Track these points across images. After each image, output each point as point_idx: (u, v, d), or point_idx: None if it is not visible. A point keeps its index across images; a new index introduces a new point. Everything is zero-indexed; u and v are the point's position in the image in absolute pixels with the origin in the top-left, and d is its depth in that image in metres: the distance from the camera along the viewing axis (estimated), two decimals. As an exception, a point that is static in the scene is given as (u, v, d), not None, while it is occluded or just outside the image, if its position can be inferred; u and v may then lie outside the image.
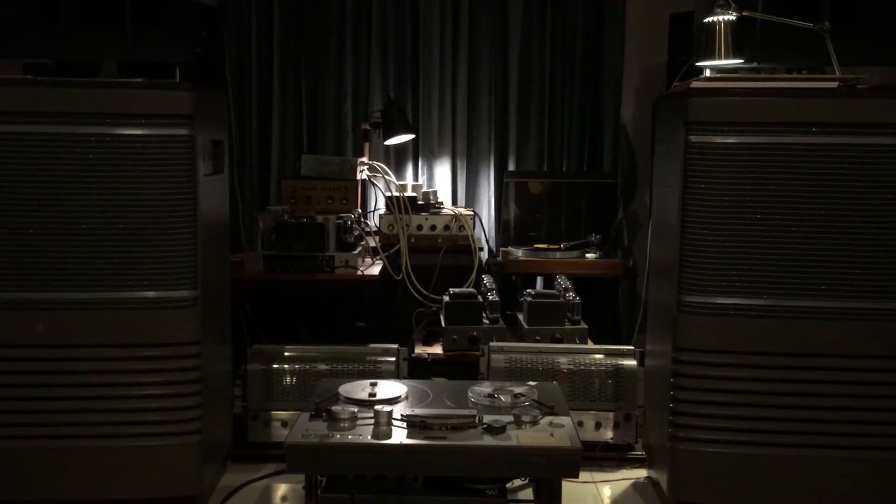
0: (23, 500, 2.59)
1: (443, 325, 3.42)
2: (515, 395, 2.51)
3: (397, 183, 4.01)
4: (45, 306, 2.52)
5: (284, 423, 3.12)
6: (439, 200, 3.96)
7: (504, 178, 4.11)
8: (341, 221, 3.51)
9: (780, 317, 2.54)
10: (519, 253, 3.85)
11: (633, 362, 3.17)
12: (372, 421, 2.30)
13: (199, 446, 2.64)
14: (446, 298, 3.45)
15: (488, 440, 2.23)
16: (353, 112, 4.18)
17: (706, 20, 2.61)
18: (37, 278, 2.52)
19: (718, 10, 2.57)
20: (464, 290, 3.54)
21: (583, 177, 4.15)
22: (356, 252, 3.48)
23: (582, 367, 3.15)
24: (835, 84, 2.53)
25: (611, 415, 3.16)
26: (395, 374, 3.12)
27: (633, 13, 4.14)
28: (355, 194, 3.80)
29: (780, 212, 2.51)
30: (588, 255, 3.80)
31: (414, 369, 3.27)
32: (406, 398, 2.51)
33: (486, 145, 4.21)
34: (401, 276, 3.68)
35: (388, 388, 2.57)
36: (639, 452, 3.14)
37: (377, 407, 2.33)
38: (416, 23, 4.15)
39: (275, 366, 3.15)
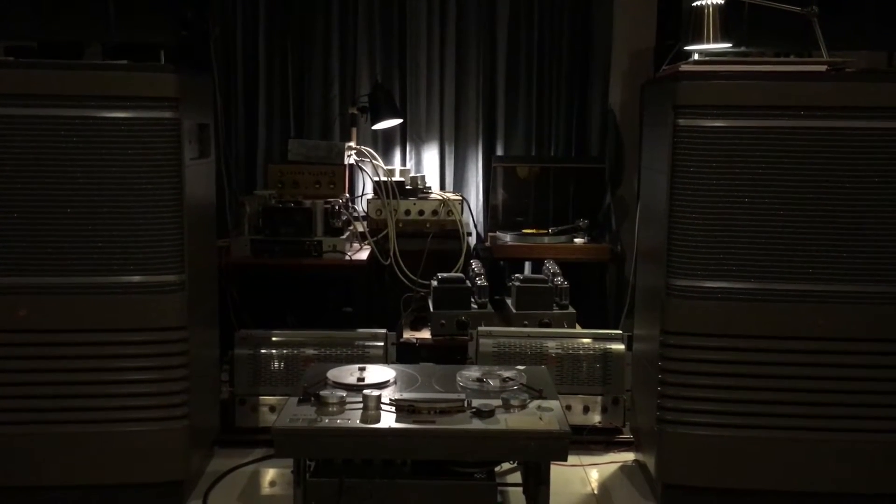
0: (7, 487, 2.57)
1: (431, 309, 3.41)
2: (504, 380, 2.51)
3: (385, 168, 3.99)
4: (29, 291, 2.50)
5: (272, 408, 3.12)
6: (427, 185, 3.95)
7: (492, 162, 4.10)
8: (329, 206, 3.49)
9: (768, 300, 2.54)
10: (507, 238, 3.84)
11: (620, 346, 3.18)
12: (360, 405, 2.29)
13: (187, 431, 2.63)
14: (434, 283, 3.44)
15: (477, 424, 2.23)
16: (340, 96, 4.14)
17: (695, 4, 2.61)
18: (20, 262, 2.49)
19: (707, -7, 2.57)
20: (452, 274, 3.53)
21: (571, 161, 4.14)
22: (344, 237, 3.47)
23: (570, 352, 3.16)
24: (823, 68, 2.54)
25: (599, 399, 3.17)
26: (384, 359, 3.12)
27: (621, -3, 4.12)
28: (343, 179, 3.78)
29: (769, 195, 2.51)
30: (576, 240, 3.80)
31: (402, 354, 3.27)
32: (394, 383, 2.51)
33: (473, 130, 4.19)
34: (389, 261, 3.67)
35: (377, 372, 2.56)
36: (627, 436, 3.15)
37: (365, 391, 2.33)
38: (404, 6, 4.11)
39: (262, 351, 3.14)
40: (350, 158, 3.90)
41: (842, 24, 2.65)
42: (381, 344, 3.17)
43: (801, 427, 2.57)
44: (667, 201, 2.56)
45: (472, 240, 3.96)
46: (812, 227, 2.51)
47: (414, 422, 2.23)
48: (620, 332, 3.25)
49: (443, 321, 3.36)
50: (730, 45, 2.65)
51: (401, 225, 3.75)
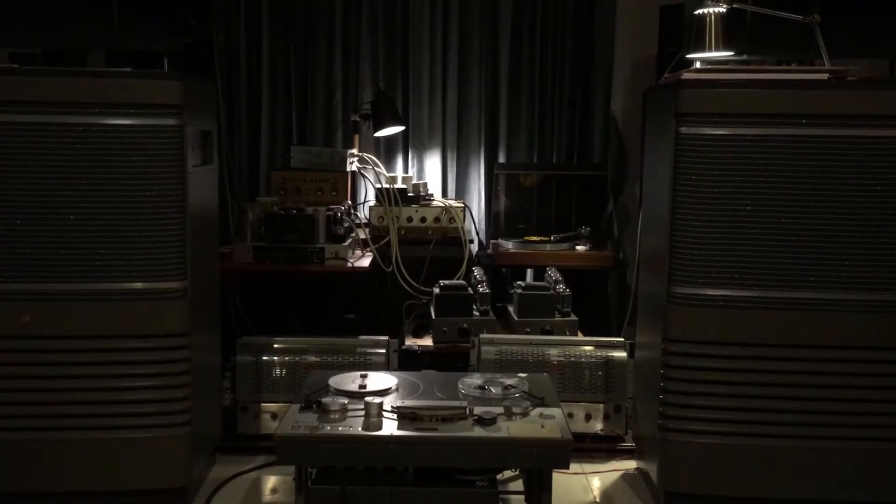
0: (7, 493, 2.57)
1: (433, 316, 3.41)
2: (506, 387, 2.51)
3: (387, 175, 4.00)
4: (33, 297, 2.50)
5: (274, 415, 3.12)
6: (429, 192, 3.95)
7: (494, 169, 4.10)
8: (331, 213, 3.50)
9: (770, 308, 2.54)
10: (509, 245, 3.85)
11: (622, 354, 3.17)
12: (362, 412, 2.30)
13: (189, 438, 2.63)
14: (436, 290, 3.44)
15: (479, 431, 2.23)
16: (342, 103, 4.16)
17: (697, 12, 2.61)
18: (23, 269, 2.50)
19: (709, 1, 2.58)
20: (454, 282, 3.54)
21: (573, 169, 4.15)
22: (346, 244, 3.47)
23: (572, 359, 3.15)
24: (825, 76, 2.54)
25: (601, 406, 3.16)
26: (386, 366, 3.12)
27: (623, 4, 4.13)
28: (345, 186, 3.79)
29: (770, 203, 2.51)
30: (578, 247, 3.80)
31: (404, 361, 3.26)
32: (396, 390, 2.51)
33: (476, 137, 4.20)
34: (391, 267, 3.68)
35: (379, 379, 2.56)
36: (629, 444, 3.15)
37: (367, 398, 2.33)
38: (407, 14, 4.13)
39: (264, 357, 3.14)
40: (352, 165, 3.91)
41: (843, 32, 2.66)
42: (383, 351, 3.16)
43: (803, 435, 2.57)
44: (669, 209, 2.56)
45: (475, 247, 3.97)
46: (814, 236, 2.51)
47: (416, 429, 2.23)
48: (622, 339, 3.25)
49: (445, 328, 3.36)
50: (732, 53, 2.66)
51: (403, 232, 3.76)
